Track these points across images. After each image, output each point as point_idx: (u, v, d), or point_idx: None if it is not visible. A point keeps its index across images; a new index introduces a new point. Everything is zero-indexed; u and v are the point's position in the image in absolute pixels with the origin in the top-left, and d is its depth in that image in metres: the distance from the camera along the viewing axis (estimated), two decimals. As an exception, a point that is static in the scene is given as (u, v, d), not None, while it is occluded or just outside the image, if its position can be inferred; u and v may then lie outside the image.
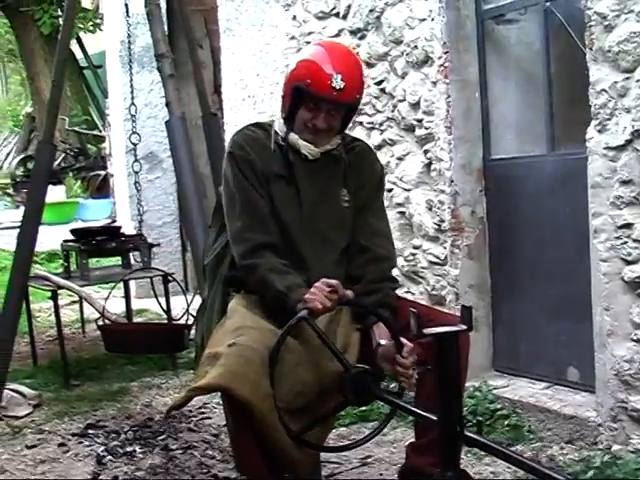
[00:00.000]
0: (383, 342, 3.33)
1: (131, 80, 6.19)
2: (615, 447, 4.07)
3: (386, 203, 3.87)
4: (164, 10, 7.62)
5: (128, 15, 5.74)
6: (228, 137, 7.13)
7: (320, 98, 3.44)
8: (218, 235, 3.70)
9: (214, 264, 3.67)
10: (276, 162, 3.54)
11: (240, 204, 3.50)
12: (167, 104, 5.04)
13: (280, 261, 3.44)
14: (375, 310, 3.36)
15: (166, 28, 7.18)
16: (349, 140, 3.74)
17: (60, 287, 6.16)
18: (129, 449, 4.74)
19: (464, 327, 2.73)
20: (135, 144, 5.93)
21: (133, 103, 5.97)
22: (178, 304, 6.29)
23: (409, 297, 4.95)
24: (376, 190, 3.73)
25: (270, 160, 3.54)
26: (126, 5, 5.72)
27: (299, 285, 3.36)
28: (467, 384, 4.15)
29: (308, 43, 6.07)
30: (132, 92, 6.12)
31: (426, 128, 5.17)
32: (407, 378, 3.25)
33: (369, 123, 5.55)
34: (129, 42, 6.10)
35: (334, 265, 3.54)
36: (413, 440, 3.69)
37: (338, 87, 3.39)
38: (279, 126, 3.60)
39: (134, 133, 5.86)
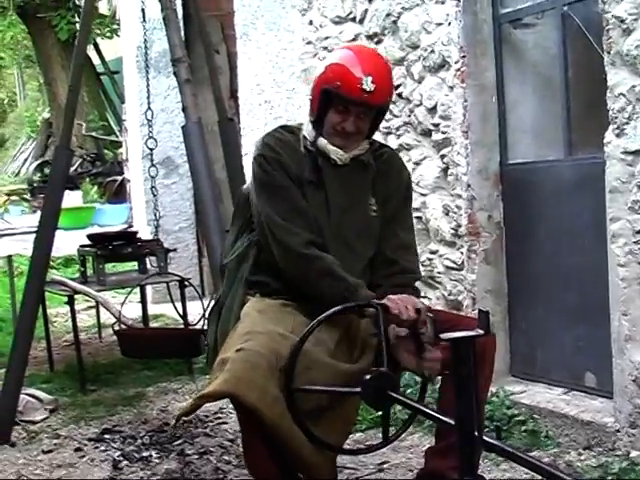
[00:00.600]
0: (403, 334, 3.29)
1: (147, 85, 6.18)
2: (633, 453, 4.05)
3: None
4: (181, 15, 7.66)
5: (144, 20, 5.74)
6: (245, 142, 7.14)
7: (350, 100, 3.41)
8: (238, 236, 3.66)
9: (235, 265, 3.63)
10: (306, 166, 3.51)
11: (284, 205, 3.46)
12: (184, 109, 5.03)
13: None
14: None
15: (183, 34, 7.20)
16: (377, 146, 3.70)
17: (77, 292, 6.17)
18: (145, 454, 4.74)
19: (481, 332, 2.72)
20: (151, 149, 5.91)
21: (149, 108, 5.96)
22: (195, 309, 6.28)
23: (427, 302, 4.94)
24: (404, 200, 3.69)
25: (301, 164, 3.51)
26: (142, 10, 5.71)
27: (364, 287, 3.36)
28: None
29: (325, 48, 6.08)
30: (148, 97, 6.11)
31: (443, 133, 5.15)
32: (433, 367, 3.27)
33: (386, 128, 5.53)
34: (145, 47, 6.09)
35: (360, 274, 3.49)
36: (432, 445, 3.69)
37: (368, 89, 3.37)
38: (307, 130, 3.57)
39: (150, 138, 5.86)
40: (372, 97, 3.39)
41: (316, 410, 3.23)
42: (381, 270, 3.55)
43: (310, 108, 3.58)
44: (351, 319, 3.40)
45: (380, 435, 4.61)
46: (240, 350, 3.15)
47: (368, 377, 3.15)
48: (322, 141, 3.51)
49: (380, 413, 4.58)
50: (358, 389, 3.16)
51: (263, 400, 3.06)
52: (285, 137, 3.57)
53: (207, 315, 3.89)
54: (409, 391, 4.56)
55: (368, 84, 3.37)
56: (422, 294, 5.19)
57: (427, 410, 3.17)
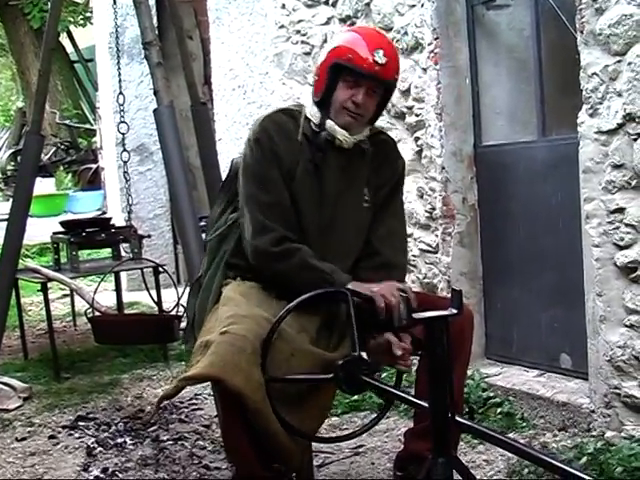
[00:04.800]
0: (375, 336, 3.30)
1: (119, 69, 6.14)
2: (608, 433, 4.05)
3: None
4: (153, 1, 7.62)
5: (115, 3, 5.68)
6: (218, 127, 7.11)
7: (362, 72, 3.35)
8: (223, 212, 3.62)
9: (216, 243, 3.59)
10: (303, 153, 3.45)
11: (267, 197, 3.40)
12: (155, 93, 4.99)
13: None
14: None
15: (155, 20, 7.16)
16: (375, 131, 3.62)
17: (50, 279, 6.12)
18: (119, 440, 4.70)
19: (454, 311, 2.70)
20: (123, 134, 5.86)
21: (121, 92, 5.90)
22: (170, 297, 6.26)
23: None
24: (395, 188, 3.64)
25: (296, 152, 3.44)
26: (114, -6, 5.66)
27: (339, 271, 3.34)
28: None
29: (298, 32, 6.04)
30: (120, 82, 6.07)
31: (417, 115, 5.14)
32: (404, 360, 3.24)
33: (359, 111, 5.51)
34: (117, 31, 6.03)
35: (350, 267, 3.47)
36: (411, 427, 3.69)
37: (381, 62, 3.33)
38: (312, 112, 3.48)
39: (122, 122, 5.80)
40: (383, 70, 3.35)
41: (293, 397, 3.20)
42: (365, 261, 3.51)
43: (314, 89, 3.48)
44: (332, 306, 3.37)
45: (356, 419, 4.66)
46: (225, 333, 3.11)
47: (340, 362, 3.13)
48: (329, 122, 3.42)
49: (355, 397, 4.62)
50: (330, 375, 3.13)
51: (248, 385, 3.03)
52: (283, 122, 3.49)
53: (188, 290, 3.85)
54: (384, 375, 4.54)
55: (380, 56, 3.33)
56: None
57: (400, 394, 3.15)
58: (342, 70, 3.38)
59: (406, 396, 3.13)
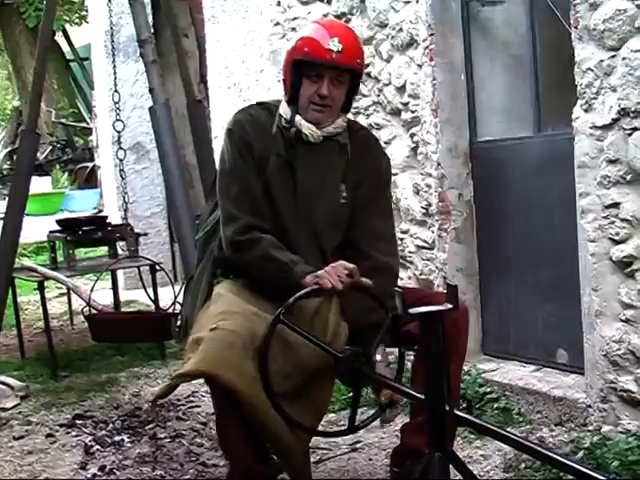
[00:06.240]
0: (378, 358, 3.31)
1: (114, 67, 6.14)
2: (605, 428, 4.06)
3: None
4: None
5: (110, 2, 5.68)
6: (214, 125, 7.11)
7: (320, 63, 3.38)
8: (212, 211, 3.65)
9: (204, 240, 3.63)
10: (276, 147, 3.48)
11: (236, 186, 3.44)
12: (150, 90, 5.02)
13: (276, 240, 3.41)
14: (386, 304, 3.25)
15: (151, 18, 7.16)
16: (356, 128, 3.66)
17: (47, 278, 6.12)
18: (117, 438, 4.70)
19: (450, 306, 2.70)
20: (119, 131, 5.87)
21: (116, 90, 5.92)
22: (167, 295, 6.24)
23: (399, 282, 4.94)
24: (377, 186, 3.62)
25: (269, 144, 3.47)
26: (108, -7, 5.67)
27: (301, 260, 3.34)
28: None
29: (293, 29, 6.04)
30: (115, 80, 6.07)
31: (412, 111, 5.14)
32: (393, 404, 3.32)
33: (355, 108, 5.46)
34: (112, 30, 6.04)
35: (324, 263, 3.44)
36: (408, 421, 3.69)
37: (336, 49, 3.36)
38: (284, 109, 3.51)
39: (118, 120, 5.81)
40: (340, 57, 3.37)
41: (291, 392, 3.21)
42: (356, 265, 3.50)
43: (284, 89, 3.53)
44: (320, 301, 3.37)
45: (356, 417, 4.65)
46: (215, 329, 3.12)
47: (352, 351, 3.16)
48: (297, 117, 3.46)
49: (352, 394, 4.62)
50: (340, 354, 3.15)
51: (241, 380, 3.04)
52: (258, 115, 3.53)
53: (183, 290, 3.88)
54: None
55: (335, 44, 3.36)
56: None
57: (400, 387, 3.15)
58: (303, 66, 3.42)
59: (406, 389, 3.13)
